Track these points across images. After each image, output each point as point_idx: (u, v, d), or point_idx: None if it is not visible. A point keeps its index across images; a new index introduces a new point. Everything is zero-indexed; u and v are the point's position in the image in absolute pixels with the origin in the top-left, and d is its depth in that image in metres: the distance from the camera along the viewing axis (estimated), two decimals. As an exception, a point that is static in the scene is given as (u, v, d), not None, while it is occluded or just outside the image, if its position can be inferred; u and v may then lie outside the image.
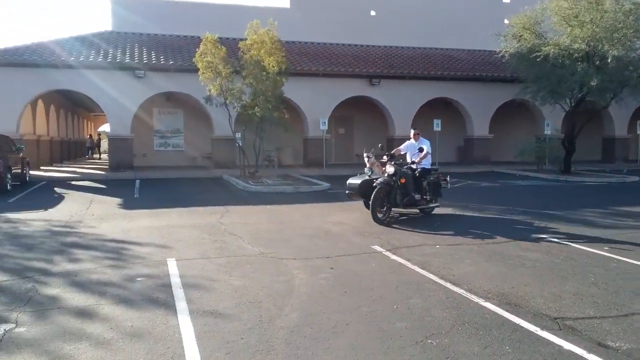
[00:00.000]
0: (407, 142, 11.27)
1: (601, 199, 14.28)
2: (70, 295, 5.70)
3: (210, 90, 17.93)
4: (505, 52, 21.75)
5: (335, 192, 15.20)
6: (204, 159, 25.16)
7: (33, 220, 10.66)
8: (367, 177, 10.59)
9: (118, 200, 13.93)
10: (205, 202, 13.29)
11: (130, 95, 21.57)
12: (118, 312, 5.19)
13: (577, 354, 4.18)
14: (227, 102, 18.22)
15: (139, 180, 18.69)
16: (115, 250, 7.96)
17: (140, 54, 22.66)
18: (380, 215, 9.97)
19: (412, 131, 11.21)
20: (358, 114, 27.10)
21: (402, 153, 11.30)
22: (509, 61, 22.32)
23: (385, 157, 10.60)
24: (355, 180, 10.87)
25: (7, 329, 4.71)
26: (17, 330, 4.70)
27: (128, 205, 13.10)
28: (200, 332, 4.64)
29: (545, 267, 6.83)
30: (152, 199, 14.19)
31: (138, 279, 6.34)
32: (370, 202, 9.96)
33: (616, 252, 7.60)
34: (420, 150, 10.51)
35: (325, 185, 16.82)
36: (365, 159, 10.73)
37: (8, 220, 10.58)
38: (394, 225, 9.89)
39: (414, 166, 10.67)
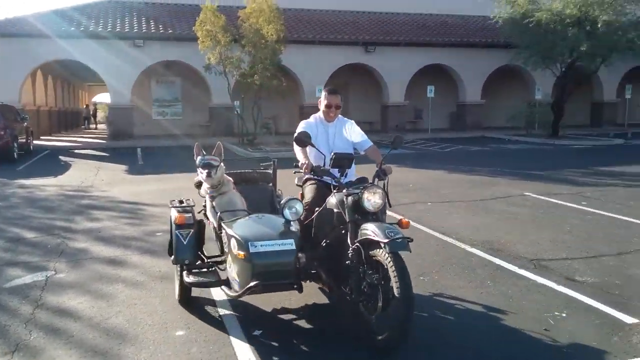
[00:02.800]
0: (307, 123, 4.73)
1: (585, 160, 14.94)
2: (98, 248, 6.33)
3: (209, 58, 18.31)
4: (498, 17, 22.09)
5: (333, 157, 15.83)
6: (201, 127, 25.60)
7: (46, 185, 11.22)
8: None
9: (123, 167, 14.49)
10: (209, 167, 13.83)
11: (130, 65, 21.88)
12: (145, 260, 5.84)
13: (548, 285, 4.87)
14: (226, 70, 18.62)
15: (140, 148, 19.19)
16: (130, 211, 8.58)
17: (140, 23, 22.90)
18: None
19: (324, 94, 4.70)
20: (353, 81, 27.47)
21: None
22: (502, 27, 22.70)
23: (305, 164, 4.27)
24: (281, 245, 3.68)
25: (48, 275, 5.34)
26: (57, 275, 5.33)
27: (134, 171, 13.67)
28: (221, 274, 5.30)
29: (527, 220, 7.51)
30: (156, 165, 14.74)
31: (157, 233, 6.96)
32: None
33: (592, 206, 8.29)
34: (374, 150, 4.64)
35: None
36: (202, 175, 4.37)
37: (23, 186, 11.15)
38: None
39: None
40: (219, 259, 4.44)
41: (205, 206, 4.64)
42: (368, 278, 3.61)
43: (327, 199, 4.10)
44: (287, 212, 3.77)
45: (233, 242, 3.69)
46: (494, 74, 26.78)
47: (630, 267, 5.40)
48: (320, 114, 4.74)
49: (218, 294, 4.66)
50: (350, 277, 3.75)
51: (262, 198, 4.81)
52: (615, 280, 5.01)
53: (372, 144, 4.67)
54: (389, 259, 3.41)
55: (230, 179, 4.56)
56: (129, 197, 9.71)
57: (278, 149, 17.92)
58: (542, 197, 9.09)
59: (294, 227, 3.78)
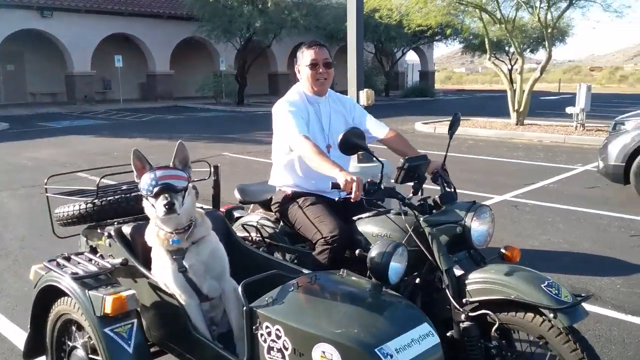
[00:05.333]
0: (294, 104, 2.88)
1: (268, 123, 16.92)
2: None
3: None
4: (180, -9, 22.86)
5: (19, 132, 14.64)
6: None
7: None
8: None
9: None
10: None
11: None
12: None
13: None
14: None
15: None
16: None
17: None
18: None
19: (303, 50, 2.94)
20: (30, 49, 24.94)
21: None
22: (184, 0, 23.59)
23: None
24: None
25: None
26: None
27: None
28: None
29: (228, 174, 8.65)
30: None
31: None
32: None
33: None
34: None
35: (4, 124, 15.80)
36: (158, 209, 2.20)
37: None
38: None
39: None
40: None
41: (118, 264, 2.49)
42: None
43: (359, 226, 2.63)
44: (394, 268, 2.06)
45: (326, 351, 1.84)
46: (181, 45, 27.62)
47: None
48: (302, 86, 2.98)
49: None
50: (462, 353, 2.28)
51: None
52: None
53: (389, 128, 3.07)
54: (566, 337, 2.06)
55: (202, 211, 2.50)
56: None
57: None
58: (238, 155, 10.45)
59: (393, 294, 2.12)
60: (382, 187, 2.38)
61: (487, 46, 16.03)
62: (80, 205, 2.74)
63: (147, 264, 2.45)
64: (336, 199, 2.88)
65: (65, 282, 2.37)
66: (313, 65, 2.87)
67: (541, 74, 14.51)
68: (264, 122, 17.47)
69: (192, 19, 24.42)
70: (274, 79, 31.98)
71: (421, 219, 2.36)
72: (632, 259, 4.79)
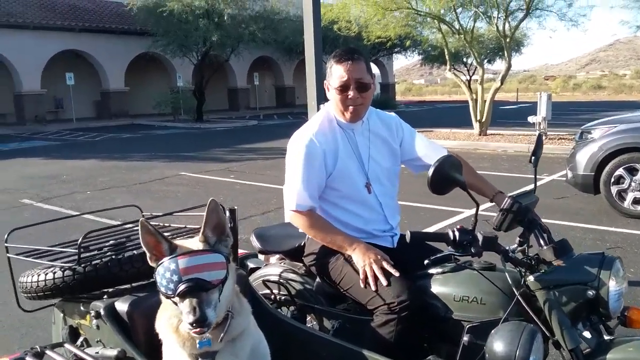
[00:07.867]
0: (311, 141, 2.16)
1: (228, 140, 16.65)
2: None
3: None
4: (132, 5, 22.25)
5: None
6: None
7: None
8: None
9: None
10: None
11: None
12: None
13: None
14: None
15: None
16: None
17: None
18: None
19: (332, 65, 2.19)
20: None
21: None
22: (137, 15, 22.95)
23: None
24: None
25: None
26: None
27: None
28: None
29: (186, 195, 8.20)
30: None
31: None
32: None
33: (239, 178, 9.55)
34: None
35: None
36: (187, 315, 1.46)
37: None
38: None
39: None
40: None
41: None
42: None
43: (432, 286, 1.99)
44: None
45: None
46: (136, 61, 26.89)
47: (272, 221, 6.55)
48: (331, 109, 2.30)
49: None
50: None
51: None
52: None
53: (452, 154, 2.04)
54: None
55: (237, 288, 1.76)
56: None
57: None
58: (196, 175, 9.96)
59: None
60: (479, 236, 1.77)
61: (447, 57, 16.01)
62: (55, 273, 2.01)
63: (150, 352, 1.81)
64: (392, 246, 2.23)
65: None
66: (342, 88, 2.15)
67: (502, 83, 14.53)
68: (224, 139, 17.16)
69: (146, 34, 23.81)
70: (234, 93, 31.55)
71: (531, 278, 1.77)
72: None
